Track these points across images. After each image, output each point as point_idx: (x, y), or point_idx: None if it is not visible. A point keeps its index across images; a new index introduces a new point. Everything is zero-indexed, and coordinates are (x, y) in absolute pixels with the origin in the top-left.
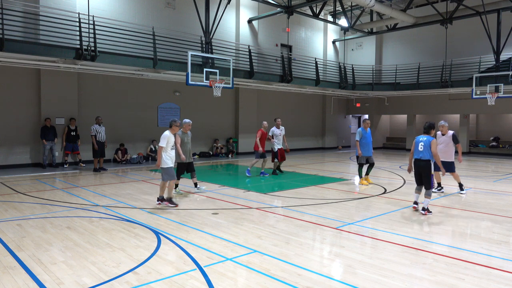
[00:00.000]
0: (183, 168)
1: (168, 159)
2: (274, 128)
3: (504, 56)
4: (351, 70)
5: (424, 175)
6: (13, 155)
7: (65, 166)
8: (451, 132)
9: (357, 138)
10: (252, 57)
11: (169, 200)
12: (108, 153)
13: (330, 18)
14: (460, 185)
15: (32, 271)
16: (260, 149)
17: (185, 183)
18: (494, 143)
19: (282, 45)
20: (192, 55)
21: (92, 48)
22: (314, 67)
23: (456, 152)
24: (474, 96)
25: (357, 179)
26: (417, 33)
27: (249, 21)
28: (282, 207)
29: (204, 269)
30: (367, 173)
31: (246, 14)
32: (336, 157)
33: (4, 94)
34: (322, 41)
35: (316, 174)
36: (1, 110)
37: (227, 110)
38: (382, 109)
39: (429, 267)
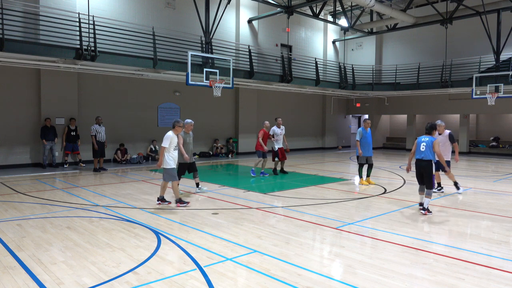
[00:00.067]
0: (184, 169)
1: (171, 159)
2: (275, 127)
3: (504, 56)
4: (351, 70)
5: (425, 175)
6: (13, 155)
7: (65, 166)
8: (447, 132)
9: (358, 137)
10: (252, 57)
11: (180, 201)
12: (108, 153)
13: (330, 18)
14: (456, 184)
15: (32, 271)
16: (266, 148)
17: (185, 183)
18: (494, 143)
19: (282, 45)
20: (192, 55)
21: (92, 48)
22: (314, 67)
23: (453, 151)
24: (474, 96)
25: (357, 179)
26: (417, 33)
27: (249, 21)
28: (282, 207)
29: (204, 269)
30: (367, 175)
31: (246, 14)
32: (336, 157)
33: (4, 94)
34: (322, 41)
35: (316, 174)
36: (1, 110)
37: (227, 110)
38: (382, 109)
39: (429, 267)
